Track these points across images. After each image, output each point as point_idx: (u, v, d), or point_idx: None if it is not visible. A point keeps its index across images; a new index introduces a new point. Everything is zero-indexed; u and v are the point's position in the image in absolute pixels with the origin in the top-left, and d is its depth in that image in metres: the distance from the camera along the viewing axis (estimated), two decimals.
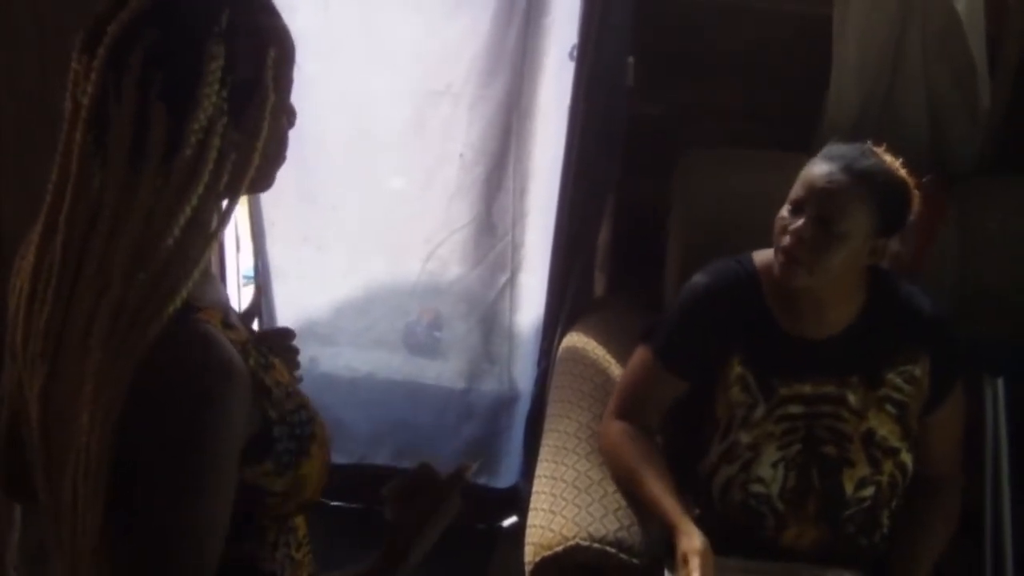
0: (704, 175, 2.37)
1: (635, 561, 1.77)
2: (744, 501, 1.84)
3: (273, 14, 1.10)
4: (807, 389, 1.82)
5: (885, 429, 1.82)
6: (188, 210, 1.01)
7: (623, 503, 1.87)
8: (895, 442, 1.82)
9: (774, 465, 1.82)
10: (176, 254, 1.01)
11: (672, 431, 2.00)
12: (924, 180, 1.80)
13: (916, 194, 1.78)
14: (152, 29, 1.00)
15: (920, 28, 2.30)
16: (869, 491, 1.82)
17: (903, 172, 1.77)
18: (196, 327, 1.02)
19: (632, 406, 1.96)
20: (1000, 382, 2.08)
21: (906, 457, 1.84)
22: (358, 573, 1.22)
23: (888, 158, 1.78)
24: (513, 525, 2.79)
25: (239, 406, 1.03)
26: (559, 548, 1.78)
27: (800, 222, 1.73)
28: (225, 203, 1.07)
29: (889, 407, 1.82)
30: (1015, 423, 2.07)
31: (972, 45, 2.27)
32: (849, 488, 1.82)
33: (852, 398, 1.82)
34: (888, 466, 1.83)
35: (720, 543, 1.84)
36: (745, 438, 1.83)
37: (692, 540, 1.71)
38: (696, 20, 2.45)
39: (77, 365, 1.00)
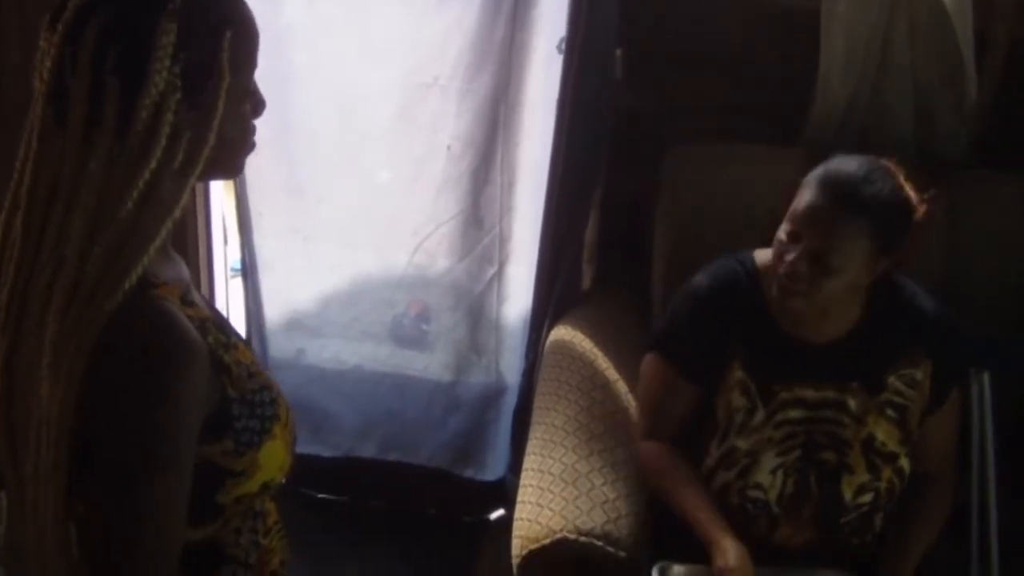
0: (692, 169, 2.37)
1: (622, 554, 1.77)
2: (741, 506, 1.83)
3: None
4: (808, 393, 1.81)
5: (885, 434, 1.81)
6: (141, 185, 1.01)
7: (611, 496, 1.86)
8: (894, 447, 1.81)
9: (773, 471, 1.81)
10: (132, 230, 1.01)
11: None
12: (928, 195, 1.76)
13: (920, 210, 1.74)
14: (108, 5, 1.02)
15: (907, 21, 2.30)
16: (867, 497, 1.82)
17: (907, 192, 1.73)
18: (153, 304, 1.03)
19: (656, 423, 1.94)
20: (986, 376, 2.08)
21: (904, 463, 1.83)
22: None
23: (894, 177, 1.73)
24: (501, 518, 2.79)
25: (197, 383, 1.04)
26: (546, 541, 1.78)
27: (796, 254, 1.71)
28: (184, 182, 1.07)
29: (890, 411, 1.81)
30: (1001, 417, 2.07)
31: (959, 38, 2.27)
32: (848, 494, 1.81)
33: (852, 403, 1.80)
34: (887, 472, 1.82)
35: None
36: (743, 444, 1.81)
37: (727, 556, 1.69)
38: (684, 14, 2.44)
39: (37, 338, 1.01)
